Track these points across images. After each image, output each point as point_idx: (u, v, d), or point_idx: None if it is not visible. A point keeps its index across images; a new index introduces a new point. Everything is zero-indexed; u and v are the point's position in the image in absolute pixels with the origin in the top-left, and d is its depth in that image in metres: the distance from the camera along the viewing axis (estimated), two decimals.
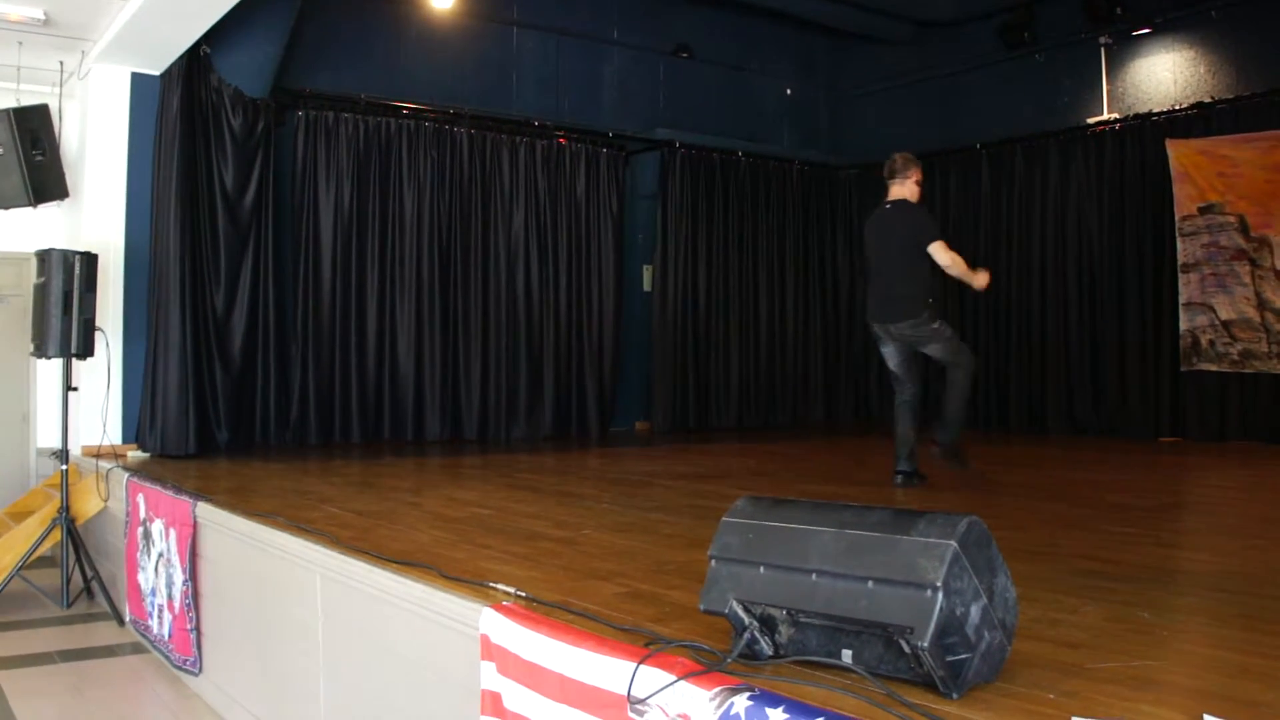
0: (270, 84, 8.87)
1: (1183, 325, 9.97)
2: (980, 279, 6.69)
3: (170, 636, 5.68)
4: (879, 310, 6.71)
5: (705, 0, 11.71)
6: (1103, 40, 10.81)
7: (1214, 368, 9.78)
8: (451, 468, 8.00)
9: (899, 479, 6.59)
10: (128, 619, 6.49)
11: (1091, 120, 10.88)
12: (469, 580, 3.44)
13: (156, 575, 5.88)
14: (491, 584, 3.38)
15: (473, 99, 10.39)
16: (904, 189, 6.72)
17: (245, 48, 8.56)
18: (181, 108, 8.22)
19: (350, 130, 9.55)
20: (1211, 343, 9.78)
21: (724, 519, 2.69)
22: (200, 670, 5.38)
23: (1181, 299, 9.97)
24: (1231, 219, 9.64)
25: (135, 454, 8.18)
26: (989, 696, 2.34)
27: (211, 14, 7.46)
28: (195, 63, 8.35)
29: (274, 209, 8.99)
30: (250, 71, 8.66)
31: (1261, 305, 9.46)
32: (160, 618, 5.83)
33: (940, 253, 6.46)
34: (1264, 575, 3.91)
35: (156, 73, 8.37)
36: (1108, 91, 10.86)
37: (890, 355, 6.76)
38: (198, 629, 5.38)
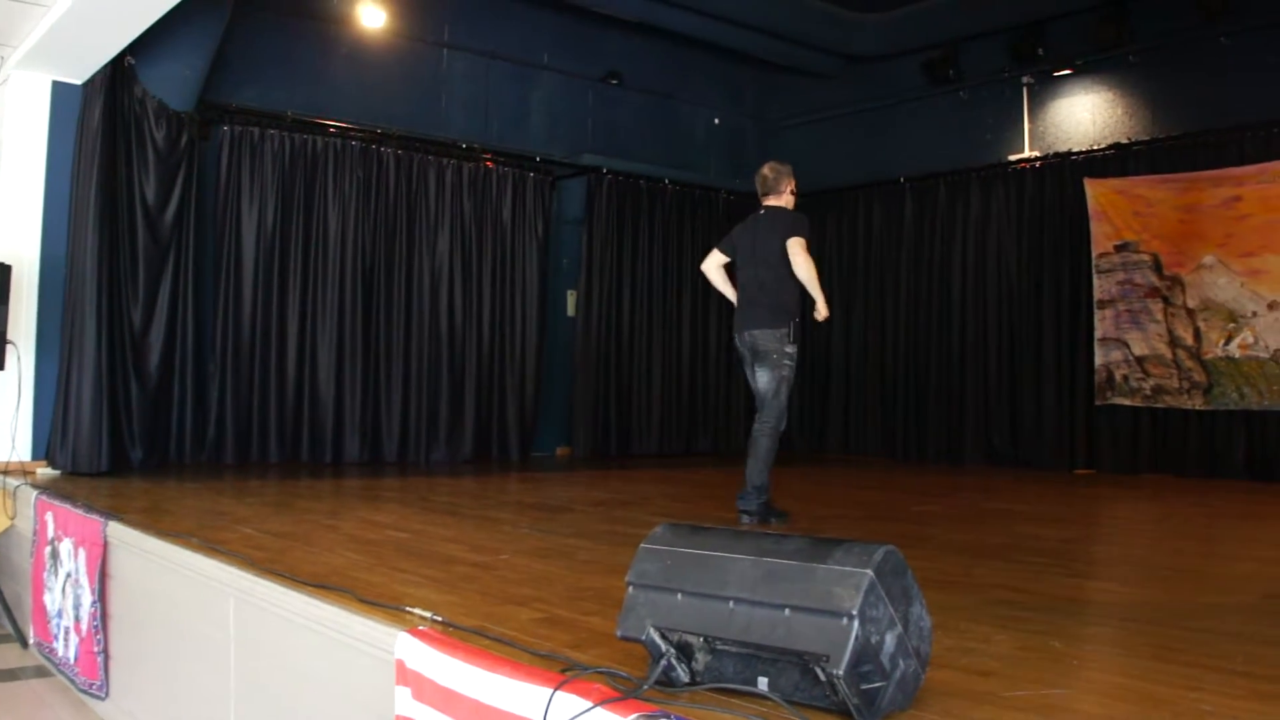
0: (196, 97, 8.75)
1: (1098, 360, 10.19)
2: (823, 306, 6.38)
3: (76, 660, 5.54)
4: (743, 318, 6.38)
5: (636, 28, 11.77)
6: (1025, 80, 11.06)
7: (1127, 402, 10.00)
8: (370, 490, 7.91)
9: (745, 519, 6.28)
10: (32, 641, 6.32)
11: (1013, 157, 11.10)
12: (385, 604, 3.40)
13: (63, 596, 5.73)
14: (407, 608, 3.34)
15: (401, 119, 10.34)
16: (780, 200, 6.45)
17: (171, 60, 8.43)
18: (103, 118, 8.06)
19: (276, 147, 9.45)
20: (1125, 378, 9.99)
21: (642, 545, 2.68)
22: (107, 694, 5.25)
23: (1097, 334, 10.19)
24: (1146, 257, 9.88)
25: (45, 471, 7.98)
26: None
27: (137, 24, 7.34)
28: (119, 73, 8.21)
29: (196, 224, 8.86)
30: (175, 84, 8.53)
31: (1173, 342, 9.69)
32: (66, 640, 5.69)
33: (797, 251, 6.14)
34: (1172, 606, 3.99)
35: (79, 82, 8.22)
36: (1029, 129, 11.10)
37: (753, 376, 6.42)
38: (105, 652, 5.25)
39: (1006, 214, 11.05)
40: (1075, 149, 10.56)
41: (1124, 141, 10.23)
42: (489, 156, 10.81)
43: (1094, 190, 10.23)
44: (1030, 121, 11.09)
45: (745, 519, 6.24)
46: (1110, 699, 2.71)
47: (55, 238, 8.17)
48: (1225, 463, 9.49)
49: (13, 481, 7.07)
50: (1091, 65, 10.58)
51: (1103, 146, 10.35)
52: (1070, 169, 10.52)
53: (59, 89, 8.26)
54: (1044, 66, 10.85)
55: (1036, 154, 10.92)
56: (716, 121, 13.23)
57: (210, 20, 8.48)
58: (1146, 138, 10.11)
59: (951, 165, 11.51)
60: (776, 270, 6.26)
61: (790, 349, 6.22)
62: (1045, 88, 10.99)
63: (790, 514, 6.38)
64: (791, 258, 6.17)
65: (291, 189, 9.53)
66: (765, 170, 6.55)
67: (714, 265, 6.68)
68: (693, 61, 12.66)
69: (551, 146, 11.54)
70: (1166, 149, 9.91)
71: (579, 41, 11.83)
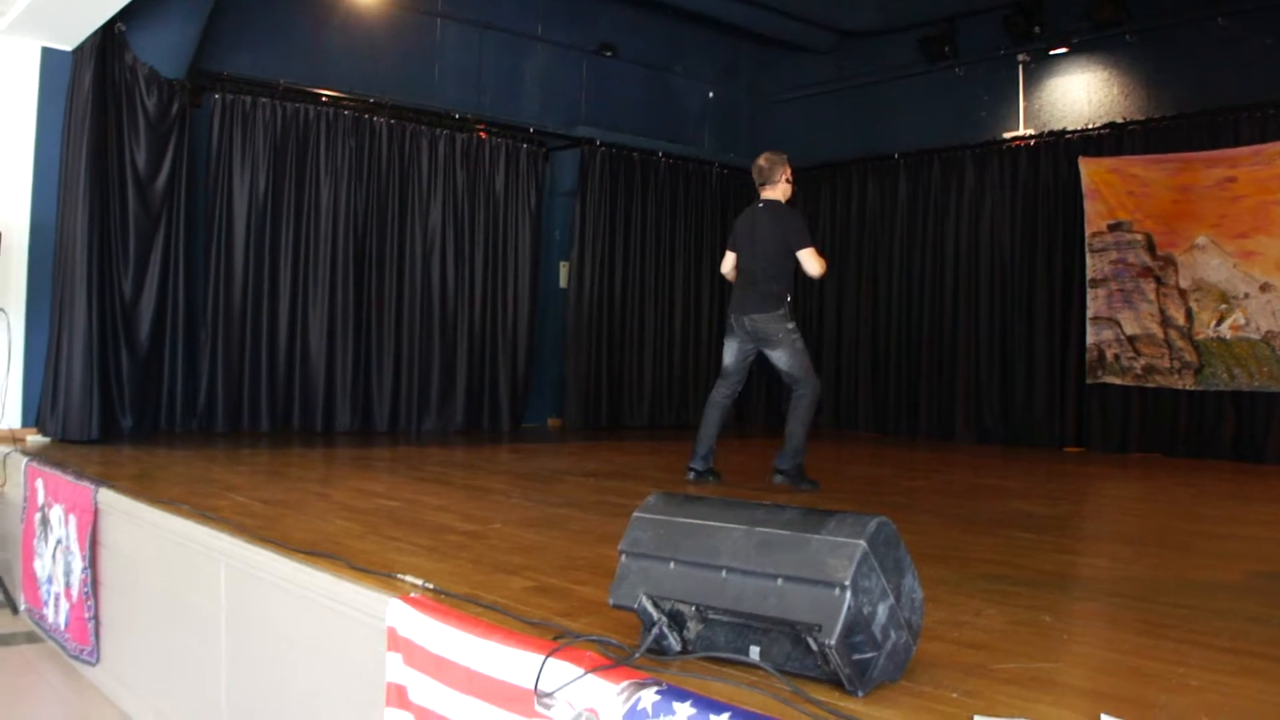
0: (187, 65, 8.68)
1: (1089, 339, 10.20)
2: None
3: (67, 625, 5.54)
4: (739, 302, 6.74)
5: (631, 0, 11.71)
6: (1021, 57, 11.02)
7: (1118, 381, 10.02)
8: (361, 459, 7.90)
9: (691, 475, 6.76)
10: (22, 608, 6.32)
11: (1008, 135, 11.07)
12: (376, 571, 3.41)
13: (54, 562, 5.73)
14: (399, 575, 3.34)
15: (393, 89, 10.28)
16: (775, 191, 6.72)
17: (162, 27, 8.36)
18: (94, 85, 8.00)
19: (268, 115, 9.39)
20: (1116, 356, 10.01)
21: (635, 514, 2.68)
22: (98, 660, 5.26)
23: (1089, 313, 10.20)
24: (1139, 237, 9.88)
25: (35, 438, 7.97)
26: (893, 695, 2.37)
27: None
28: (110, 40, 8.14)
29: (187, 193, 8.79)
30: (166, 51, 8.46)
31: (1165, 322, 9.71)
32: (57, 606, 5.69)
33: (810, 260, 6.50)
34: (1159, 581, 4.01)
35: (69, 48, 8.16)
36: (1024, 107, 11.07)
37: (730, 350, 6.82)
38: (96, 618, 5.25)
39: (1000, 192, 11.03)
40: (1070, 128, 10.54)
41: (1119, 121, 10.21)
42: (482, 127, 10.76)
43: (1088, 169, 10.22)
44: (1026, 99, 11.06)
45: (778, 478, 6.57)
46: (1098, 673, 2.73)
47: (45, 205, 8.13)
48: (1213, 443, 9.52)
49: (3, 448, 7.06)
50: (1088, 44, 10.55)
51: (1098, 125, 10.33)
52: (1065, 148, 10.51)
53: (49, 55, 8.20)
54: (1040, 44, 10.80)
55: (1031, 132, 10.89)
56: (711, 95, 13.18)
57: None
58: (1142, 117, 10.10)
59: (946, 142, 11.48)
60: (774, 263, 6.61)
61: (791, 324, 6.58)
62: (1041, 66, 10.96)
63: (820, 483, 6.61)
64: (807, 269, 6.55)
65: (283, 158, 9.48)
66: (761, 161, 6.79)
67: (730, 267, 6.97)
68: (687, 35, 12.61)
69: (545, 118, 11.49)
70: (1162, 129, 9.90)
71: (573, 13, 11.77)
